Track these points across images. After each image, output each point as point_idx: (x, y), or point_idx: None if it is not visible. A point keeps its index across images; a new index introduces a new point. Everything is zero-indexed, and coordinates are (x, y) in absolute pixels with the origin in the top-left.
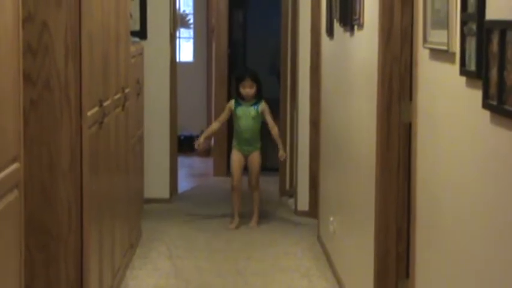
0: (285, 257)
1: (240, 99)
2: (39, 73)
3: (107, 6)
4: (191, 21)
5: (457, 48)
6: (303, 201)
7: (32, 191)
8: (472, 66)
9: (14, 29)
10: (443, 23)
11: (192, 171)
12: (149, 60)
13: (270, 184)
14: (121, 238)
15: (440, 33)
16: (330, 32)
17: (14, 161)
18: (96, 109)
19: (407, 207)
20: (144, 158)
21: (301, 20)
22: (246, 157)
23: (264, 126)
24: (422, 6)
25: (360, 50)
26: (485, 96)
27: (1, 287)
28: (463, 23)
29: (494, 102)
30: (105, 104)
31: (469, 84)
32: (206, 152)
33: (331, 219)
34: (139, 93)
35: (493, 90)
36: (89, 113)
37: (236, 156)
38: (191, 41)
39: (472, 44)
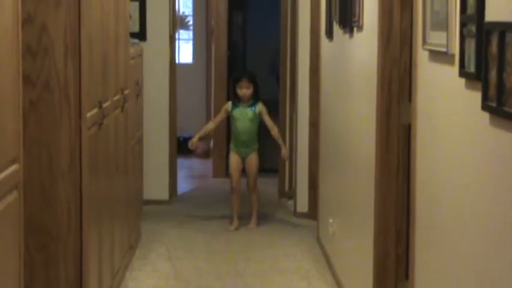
0: (284, 258)
1: (236, 100)
2: (39, 74)
3: (106, 7)
4: (190, 22)
5: (456, 50)
6: (302, 202)
7: (32, 192)
8: (471, 68)
9: (13, 30)
10: (442, 25)
11: (191, 173)
12: (148, 62)
13: (269, 186)
14: (120, 239)
15: (439, 35)
16: (330, 34)
17: (13, 162)
18: (95, 110)
19: (407, 209)
20: (143, 160)
21: (300, 22)
22: (243, 159)
23: (261, 127)
24: (422, 8)
25: (359, 51)
26: (485, 98)
27: (1, 287)
28: (463, 25)
29: (494, 104)
30: (104, 105)
31: (468, 86)
32: (205, 154)
33: (331, 220)
34: (138, 94)
35: (492, 92)
36: (89, 114)
37: (234, 159)
38: (190, 43)
39: (471, 45)
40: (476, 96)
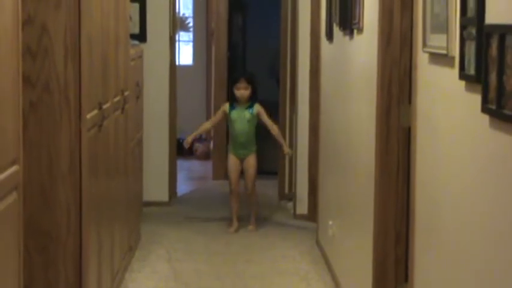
0: (284, 260)
1: (234, 101)
2: (39, 75)
3: (107, 9)
4: (191, 24)
5: (456, 52)
6: (301, 204)
7: (31, 193)
8: (471, 71)
9: (13, 32)
10: (442, 27)
11: (191, 175)
12: (149, 63)
13: (268, 188)
14: (120, 241)
15: (439, 37)
16: (330, 36)
17: (13, 163)
18: (95, 112)
19: (407, 211)
20: (143, 161)
21: (300, 24)
22: (242, 161)
23: (260, 129)
24: (422, 10)
25: (359, 53)
26: (485, 101)
27: None
28: (463, 27)
29: (493, 107)
30: (104, 106)
31: (468, 89)
32: (205, 155)
33: (330, 223)
34: (138, 96)
35: (492, 94)
36: (88, 116)
37: (232, 161)
38: (191, 44)
39: (471, 48)
40: (476, 98)
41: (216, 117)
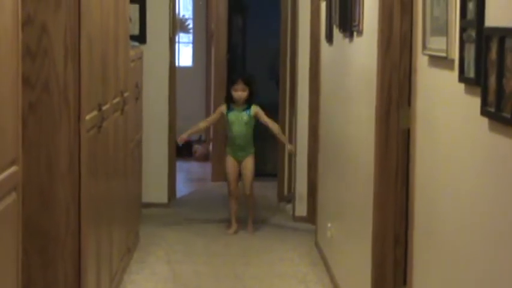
0: (283, 262)
1: (231, 102)
2: (38, 76)
3: (106, 10)
4: (190, 25)
5: (456, 55)
6: (301, 207)
7: (30, 193)
8: (471, 73)
9: (13, 32)
10: (442, 30)
11: (190, 176)
12: (148, 65)
13: (268, 190)
14: (119, 242)
15: (439, 40)
16: (330, 38)
17: (12, 163)
18: (94, 113)
19: (405, 214)
20: (142, 162)
21: (300, 26)
22: (240, 163)
23: (258, 131)
24: (422, 13)
25: (359, 56)
26: (484, 103)
27: None
28: (462, 30)
29: (493, 109)
30: (104, 107)
31: (467, 91)
32: (204, 157)
33: (329, 225)
34: (138, 97)
35: (491, 97)
36: (88, 117)
37: (230, 163)
38: (190, 46)
39: (471, 51)
40: (476, 101)
41: (213, 118)
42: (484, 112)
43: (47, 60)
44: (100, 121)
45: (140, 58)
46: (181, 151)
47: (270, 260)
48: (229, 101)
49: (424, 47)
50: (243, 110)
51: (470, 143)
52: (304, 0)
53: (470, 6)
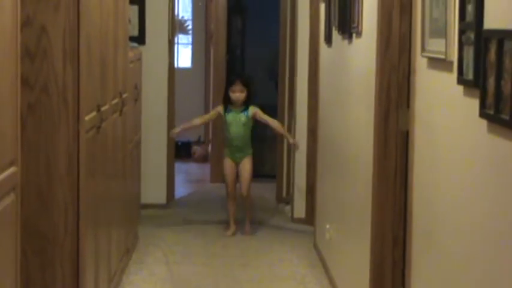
0: (281, 264)
1: (229, 103)
2: (37, 77)
3: (106, 11)
4: (190, 27)
5: (454, 57)
6: (299, 208)
7: (29, 194)
8: (469, 75)
9: (12, 33)
10: (441, 32)
11: (189, 177)
12: (147, 66)
13: (266, 191)
14: (117, 243)
15: (438, 42)
16: (329, 40)
17: (11, 164)
18: (93, 114)
19: (404, 215)
20: (141, 163)
21: (299, 28)
22: (238, 164)
23: (255, 131)
24: (421, 15)
25: (358, 58)
26: (482, 106)
27: None
28: (461, 32)
29: (491, 112)
30: (102, 108)
31: (466, 93)
32: (203, 158)
33: (328, 226)
34: (137, 98)
35: (490, 99)
36: (87, 118)
37: (228, 164)
38: (189, 47)
39: (469, 53)
40: (474, 103)
41: (209, 116)
42: (482, 114)
43: (46, 61)
44: (99, 122)
45: (139, 59)
46: (180, 152)
47: (269, 261)
48: (227, 102)
49: (423, 48)
50: (241, 111)
51: (468, 145)
52: (303, 2)
53: (469, 8)
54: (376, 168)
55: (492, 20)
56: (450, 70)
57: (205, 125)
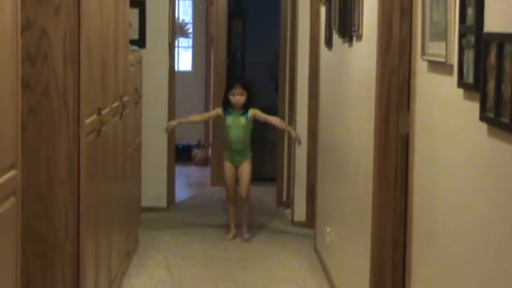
0: (282, 267)
1: (229, 106)
2: (38, 80)
3: (106, 14)
4: (190, 30)
5: (455, 61)
6: (299, 211)
7: (29, 197)
8: (469, 79)
9: (13, 36)
10: (441, 35)
11: (189, 181)
12: (148, 69)
13: (266, 194)
14: (118, 246)
15: (438, 45)
16: (329, 43)
17: (11, 167)
18: (94, 117)
19: (404, 218)
20: (141, 167)
21: (300, 31)
22: (237, 167)
23: (255, 135)
24: (421, 18)
25: (358, 61)
26: (483, 109)
27: None
28: (462, 36)
29: (492, 115)
30: (103, 112)
31: (466, 97)
32: (204, 162)
33: (328, 229)
34: (137, 101)
35: (490, 102)
36: (87, 121)
37: (228, 168)
38: (190, 50)
39: (470, 56)
40: (474, 106)
41: (207, 115)
42: (482, 117)
43: (47, 64)
44: (99, 125)
45: (140, 62)
46: (181, 156)
47: (269, 264)
48: (227, 105)
49: (423, 52)
50: (241, 115)
51: (469, 148)
52: (303, 5)
53: (470, 11)
54: (376, 171)
55: (492, 24)
56: (450, 73)
57: (206, 128)
